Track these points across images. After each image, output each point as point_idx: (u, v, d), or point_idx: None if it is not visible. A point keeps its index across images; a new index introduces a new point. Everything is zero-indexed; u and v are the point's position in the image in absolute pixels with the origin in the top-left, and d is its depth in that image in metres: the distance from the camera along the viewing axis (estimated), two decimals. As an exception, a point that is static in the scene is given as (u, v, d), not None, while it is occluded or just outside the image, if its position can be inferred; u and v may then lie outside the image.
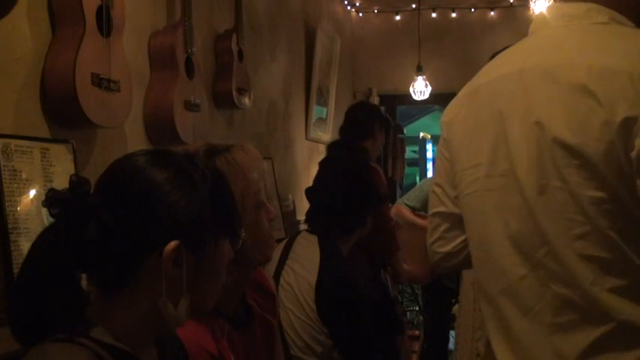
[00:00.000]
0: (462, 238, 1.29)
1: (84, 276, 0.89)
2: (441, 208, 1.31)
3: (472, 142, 1.19)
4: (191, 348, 1.13)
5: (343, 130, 3.47)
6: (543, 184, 1.05)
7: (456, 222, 1.29)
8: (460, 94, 1.28)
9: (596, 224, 1.01)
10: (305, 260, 1.91)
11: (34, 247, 0.89)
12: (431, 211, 1.35)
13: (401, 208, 3.83)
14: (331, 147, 3.35)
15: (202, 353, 1.18)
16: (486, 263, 1.18)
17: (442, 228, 1.32)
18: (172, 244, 0.87)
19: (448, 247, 1.33)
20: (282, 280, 1.92)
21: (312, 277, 1.86)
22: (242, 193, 1.27)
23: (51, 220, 0.88)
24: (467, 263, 1.30)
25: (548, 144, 1.04)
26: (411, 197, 3.96)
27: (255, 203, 1.31)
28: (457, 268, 1.41)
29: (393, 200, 4.58)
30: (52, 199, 0.87)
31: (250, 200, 1.30)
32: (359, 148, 3.20)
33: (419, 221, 3.73)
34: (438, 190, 1.32)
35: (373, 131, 3.34)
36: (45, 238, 0.88)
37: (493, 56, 1.80)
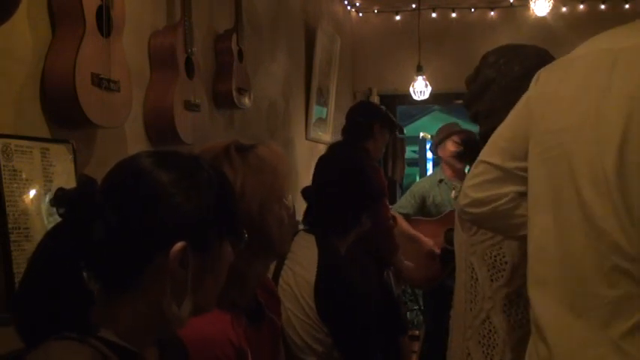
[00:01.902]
0: (499, 191, 1.31)
1: (89, 275, 0.89)
2: (494, 160, 1.32)
3: (561, 107, 1.18)
4: (215, 335, 1.17)
5: (345, 131, 3.47)
6: (628, 158, 1.03)
7: (501, 177, 1.30)
8: (557, 61, 1.27)
9: None
10: (304, 260, 1.91)
11: (40, 246, 0.89)
12: (481, 158, 1.36)
13: (397, 220, 3.78)
14: (331, 147, 3.35)
15: (225, 342, 1.21)
16: (557, 221, 1.15)
17: (484, 177, 1.33)
18: (179, 245, 0.88)
19: (481, 195, 1.34)
20: (281, 281, 1.92)
21: (311, 276, 1.86)
22: (270, 187, 1.34)
23: (51, 220, 0.88)
24: (490, 217, 1.31)
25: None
26: (403, 204, 3.95)
27: (279, 198, 1.37)
28: (480, 219, 1.41)
29: (394, 201, 4.57)
30: (59, 199, 0.87)
31: (276, 195, 1.36)
32: (360, 148, 3.20)
33: (414, 233, 3.74)
34: (502, 143, 1.31)
35: (373, 132, 3.33)
36: (51, 238, 0.88)
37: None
